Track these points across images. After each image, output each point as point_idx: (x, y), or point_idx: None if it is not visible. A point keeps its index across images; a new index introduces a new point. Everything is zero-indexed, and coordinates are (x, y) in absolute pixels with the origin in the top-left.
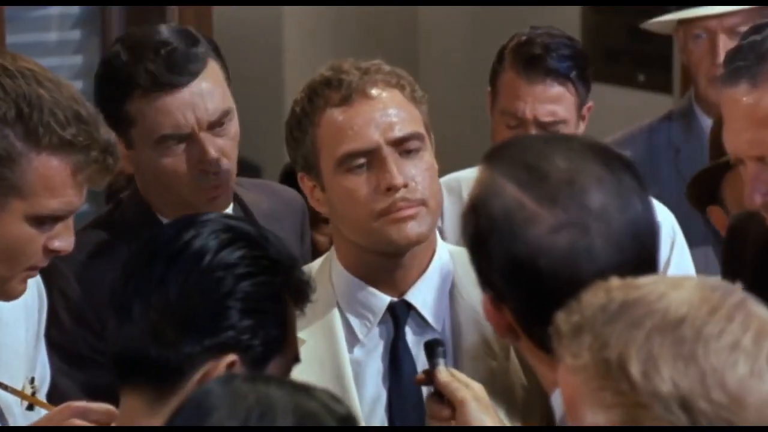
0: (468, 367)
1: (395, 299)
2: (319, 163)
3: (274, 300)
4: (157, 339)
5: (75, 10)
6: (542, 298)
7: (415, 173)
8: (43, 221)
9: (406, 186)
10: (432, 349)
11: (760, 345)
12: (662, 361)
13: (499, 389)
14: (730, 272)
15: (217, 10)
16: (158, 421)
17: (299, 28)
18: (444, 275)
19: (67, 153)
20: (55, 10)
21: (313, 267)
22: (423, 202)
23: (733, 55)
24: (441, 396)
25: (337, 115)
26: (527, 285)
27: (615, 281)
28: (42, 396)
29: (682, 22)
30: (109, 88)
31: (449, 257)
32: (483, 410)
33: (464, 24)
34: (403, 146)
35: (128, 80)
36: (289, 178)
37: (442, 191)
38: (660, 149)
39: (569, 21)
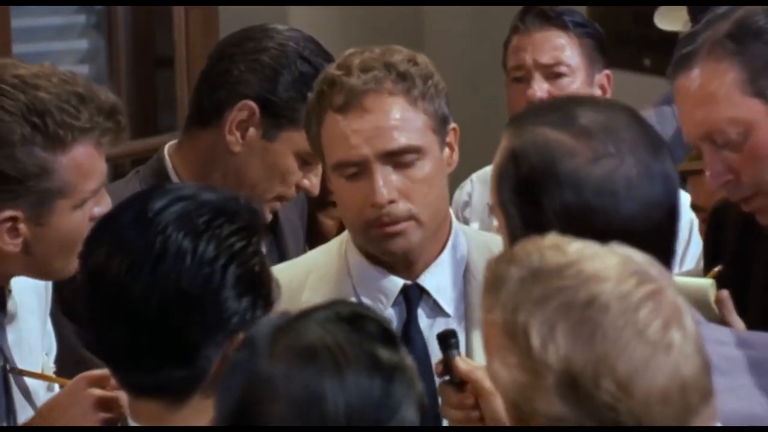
0: (480, 350)
1: (409, 282)
2: (325, 159)
3: (258, 266)
4: (174, 354)
5: None
6: (591, 233)
7: (405, 186)
8: (86, 202)
9: (392, 202)
10: (446, 339)
11: (663, 337)
12: (561, 338)
13: None
14: (711, 254)
15: (223, 10)
16: (179, 419)
17: (304, 28)
18: (459, 259)
19: (88, 136)
20: None
21: (331, 247)
22: (411, 217)
23: (675, 50)
24: (458, 384)
25: (336, 120)
26: (578, 220)
27: (551, 238)
28: (50, 361)
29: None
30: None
31: (465, 240)
32: None
33: (469, 23)
34: (395, 159)
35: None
36: None
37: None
38: None
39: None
